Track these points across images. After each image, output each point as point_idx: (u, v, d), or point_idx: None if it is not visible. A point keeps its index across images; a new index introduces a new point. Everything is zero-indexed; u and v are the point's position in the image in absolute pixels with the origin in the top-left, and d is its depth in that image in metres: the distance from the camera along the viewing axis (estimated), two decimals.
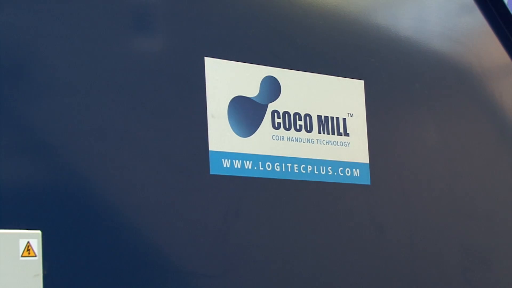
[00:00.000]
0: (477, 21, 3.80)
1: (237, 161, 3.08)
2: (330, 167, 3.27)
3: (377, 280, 3.32)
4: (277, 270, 3.12)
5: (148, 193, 2.89)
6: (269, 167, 3.14)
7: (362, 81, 3.41)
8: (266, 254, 3.10)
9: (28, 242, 2.30)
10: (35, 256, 2.30)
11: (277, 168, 3.16)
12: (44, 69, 2.74)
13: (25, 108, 2.69)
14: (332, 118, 3.31)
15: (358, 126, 3.38)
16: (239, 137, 3.10)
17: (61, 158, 2.76)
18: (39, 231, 2.32)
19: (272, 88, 3.20)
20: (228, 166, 3.06)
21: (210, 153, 3.02)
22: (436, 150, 3.60)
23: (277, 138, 3.17)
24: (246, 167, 3.10)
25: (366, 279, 3.30)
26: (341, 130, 3.32)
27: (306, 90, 3.28)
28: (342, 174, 3.30)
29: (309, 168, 3.22)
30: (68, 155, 2.77)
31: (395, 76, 3.53)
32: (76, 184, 2.77)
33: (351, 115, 3.36)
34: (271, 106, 3.18)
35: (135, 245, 2.84)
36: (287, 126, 3.20)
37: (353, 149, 3.35)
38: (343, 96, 3.37)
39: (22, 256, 2.28)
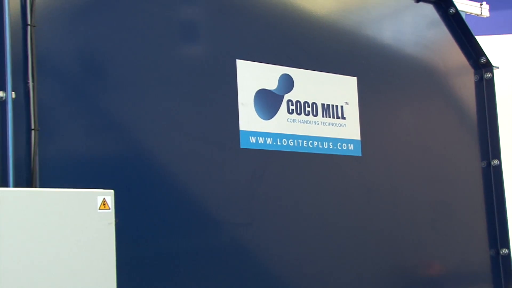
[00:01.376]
0: (442, 32, 3.79)
1: (260, 138, 3.11)
2: (331, 143, 3.31)
3: (365, 226, 3.36)
4: (291, 220, 3.16)
5: (195, 162, 2.95)
6: (284, 142, 3.18)
7: (355, 78, 3.45)
8: (283, 207, 3.15)
9: (104, 198, 2.32)
10: (109, 209, 2.31)
11: (291, 143, 3.19)
12: (116, 67, 2.81)
13: (103, 96, 2.77)
14: (332, 105, 3.35)
15: (352, 111, 3.41)
16: (262, 120, 3.14)
17: (129, 134, 2.82)
18: (112, 190, 2.33)
19: (287, 83, 3.23)
20: (254, 142, 3.10)
21: (240, 132, 3.06)
22: (411, 129, 3.62)
23: (291, 120, 3.21)
24: (267, 142, 3.13)
25: (358, 224, 3.34)
26: (339, 115, 3.36)
27: (313, 84, 3.32)
28: (340, 148, 3.33)
29: (315, 143, 3.26)
30: (134, 133, 2.83)
31: (380, 73, 3.55)
32: (139, 154, 2.83)
33: (347, 103, 3.40)
34: (286, 97, 3.22)
35: (185, 200, 2.90)
36: (298, 112, 3.24)
37: (348, 129, 3.39)
38: (341, 89, 3.41)
39: (99, 209, 2.31)
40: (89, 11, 2.77)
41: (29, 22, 2.56)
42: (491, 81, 3.89)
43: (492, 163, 3.82)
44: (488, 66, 3.88)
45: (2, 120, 2.48)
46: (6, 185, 2.45)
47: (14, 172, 2.47)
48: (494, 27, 5.00)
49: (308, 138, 3.25)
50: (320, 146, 3.28)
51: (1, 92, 2.47)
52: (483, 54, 3.88)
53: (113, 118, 2.79)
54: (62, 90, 2.67)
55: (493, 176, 3.83)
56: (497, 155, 3.84)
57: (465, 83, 3.88)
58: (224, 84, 3.07)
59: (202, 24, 3.08)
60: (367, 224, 3.39)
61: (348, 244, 3.31)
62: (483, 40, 3.92)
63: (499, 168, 3.84)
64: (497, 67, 3.87)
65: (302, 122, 3.25)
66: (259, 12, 3.22)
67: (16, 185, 2.46)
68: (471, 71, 3.91)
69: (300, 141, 3.22)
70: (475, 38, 3.86)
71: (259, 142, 3.11)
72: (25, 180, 2.51)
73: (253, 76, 3.14)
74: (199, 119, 2.99)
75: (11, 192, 2.26)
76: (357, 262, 3.32)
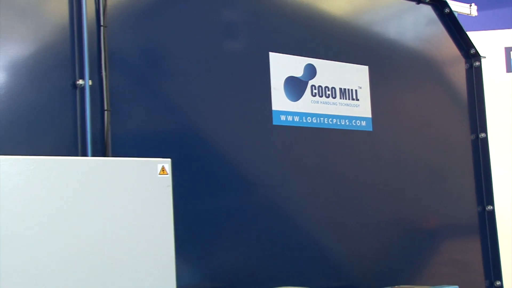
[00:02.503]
0: (439, 28, 3.76)
1: (289, 116, 3.11)
2: (347, 120, 3.31)
3: (374, 187, 3.39)
4: (314, 182, 3.17)
5: (237, 136, 2.98)
6: (309, 120, 3.18)
7: (367, 66, 3.44)
8: (307, 172, 3.15)
9: (163, 165, 2.32)
10: (167, 174, 2.32)
11: (314, 121, 3.19)
12: (172, 59, 2.83)
13: (162, 82, 2.80)
14: (348, 89, 3.34)
15: (364, 94, 3.41)
16: (290, 102, 3.13)
17: (182, 114, 2.84)
18: (169, 159, 2.33)
19: (311, 71, 3.22)
20: (284, 119, 3.10)
21: (273, 111, 3.07)
22: (413, 109, 3.62)
23: (314, 102, 3.21)
24: (295, 120, 3.13)
25: (369, 186, 3.36)
26: (354, 97, 3.35)
27: (332, 72, 3.31)
28: (354, 124, 3.34)
29: (334, 120, 3.26)
30: (187, 113, 2.85)
31: (388, 63, 3.54)
32: (192, 130, 2.85)
33: (360, 88, 3.39)
34: (310, 82, 3.21)
35: (229, 166, 2.93)
36: (320, 95, 3.23)
37: (361, 109, 3.38)
38: (355, 76, 3.40)
39: (159, 174, 2.31)
40: (150, 13, 2.79)
41: (101, 24, 2.59)
42: (479, 69, 3.89)
43: (480, 136, 3.82)
44: (477, 56, 3.88)
45: (81, 103, 2.52)
46: (85, 155, 2.50)
47: (91, 145, 2.52)
48: (481, 24, 4.98)
49: (328, 116, 3.25)
50: (338, 123, 3.28)
51: (81, 80, 2.50)
52: (473, 46, 3.87)
53: (170, 101, 2.82)
54: (128, 78, 2.70)
55: (481, 147, 3.83)
56: (484, 129, 3.85)
57: (457, 70, 3.86)
58: (259, 72, 3.08)
59: (241, 23, 3.09)
60: (376, 185, 3.39)
61: (361, 202, 3.32)
62: (472, 35, 3.91)
63: (485, 140, 3.85)
64: (484, 57, 3.88)
65: (323, 103, 3.24)
66: (287, 13, 3.22)
67: (93, 155, 2.50)
68: (462, 60, 3.89)
69: (321, 118, 3.22)
70: (466, 33, 3.85)
71: (288, 119, 3.11)
72: (100, 151, 2.54)
73: (282, 66, 3.14)
74: (240, 101, 3.00)
75: (89, 161, 2.29)
76: (368, 216, 3.34)
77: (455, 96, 3.83)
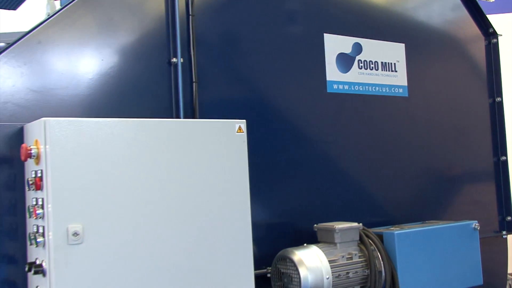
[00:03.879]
0: (462, 11, 3.67)
1: (340, 85, 3.07)
2: (387, 88, 3.25)
3: (409, 142, 3.34)
4: (361, 137, 3.14)
5: (299, 101, 2.94)
6: (356, 88, 3.13)
7: (403, 44, 3.37)
8: (355, 129, 3.13)
9: (239, 125, 2.33)
10: (243, 132, 2.33)
11: (360, 89, 3.14)
12: (246, 40, 2.82)
13: (238, 59, 2.79)
14: (388, 63, 3.28)
15: (402, 67, 3.33)
16: (341, 73, 3.08)
17: (255, 84, 2.82)
18: (244, 120, 2.34)
19: (358, 48, 3.16)
20: (336, 88, 3.05)
21: (327, 81, 3.03)
22: (441, 78, 3.53)
23: (360, 73, 3.15)
24: (345, 88, 3.08)
25: (405, 141, 3.33)
26: (393, 69, 3.29)
27: (375, 48, 3.24)
28: (394, 91, 3.28)
29: (377, 88, 3.20)
30: (258, 83, 2.83)
31: (420, 41, 3.46)
32: (263, 97, 2.84)
33: (398, 61, 3.32)
34: (357, 57, 3.16)
35: (292, 125, 2.92)
36: (365, 67, 3.17)
37: (399, 79, 3.31)
38: (393, 52, 3.32)
39: (237, 132, 2.32)
40: (228, 4, 2.79)
41: (190, 13, 2.61)
42: (496, 45, 3.80)
43: (496, 99, 3.75)
44: (494, 34, 3.79)
45: (175, 76, 2.56)
46: (178, 117, 2.53)
47: (183, 109, 2.54)
48: (498, 8, 4.87)
49: (372, 85, 3.19)
50: (380, 90, 3.22)
51: (175, 58, 2.55)
52: (491, 26, 3.78)
53: (244, 74, 2.80)
54: (211, 56, 2.68)
55: (497, 109, 3.75)
56: (500, 94, 3.76)
57: (478, 46, 3.77)
58: (316, 50, 3.03)
59: (300, 10, 3.03)
60: (410, 140, 3.34)
61: (398, 154, 3.29)
62: (490, 17, 3.81)
63: (501, 103, 3.76)
64: (501, 35, 3.78)
65: (368, 74, 3.19)
66: (338, 1, 3.17)
67: (185, 118, 2.53)
68: (482, 38, 3.79)
69: (366, 87, 3.17)
70: (485, 15, 3.75)
71: (339, 88, 3.07)
72: (190, 114, 2.56)
73: (335, 44, 3.09)
74: (300, 74, 2.96)
75: (182, 122, 2.33)
76: (404, 165, 3.31)
77: (476, 67, 3.73)
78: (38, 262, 1.99)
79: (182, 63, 2.56)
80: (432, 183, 3.41)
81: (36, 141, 1.99)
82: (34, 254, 2.05)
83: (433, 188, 3.41)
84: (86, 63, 2.37)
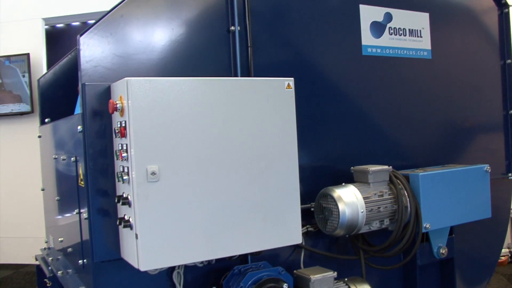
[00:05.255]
0: None
1: (374, 49, 2.92)
2: (413, 51, 3.08)
3: (432, 99, 3.19)
4: (391, 93, 3.01)
5: (338, 63, 2.82)
6: (387, 51, 2.98)
7: (428, 13, 3.17)
8: (386, 86, 3.00)
9: (288, 83, 2.25)
10: (291, 88, 2.25)
11: (391, 52, 2.99)
12: (294, 11, 2.69)
13: (288, 27, 2.67)
14: (415, 29, 3.10)
15: (426, 33, 3.15)
16: (374, 38, 2.93)
17: (303, 49, 2.70)
18: (292, 78, 2.25)
19: (388, 17, 2.99)
20: (370, 51, 2.91)
21: (362, 46, 2.89)
22: (459, 43, 3.34)
23: (391, 38, 2.99)
24: (377, 51, 2.94)
25: (428, 98, 3.17)
26: (419, 35, 3.11)
27: (403, 17, 3.06)
28: (419, 54, 3.11)
29: (405, 51, 3.05)
30: (305, 48, 2.71)
31: (442, 10, 3.26)
32: (310, 59, 2.72)
33: (423, 28, 3.13)
34: (388, 25, 2.99)
35: (332, 82, 2.80)
36: (395, 34, 3.01)
37: (424, 43, 3.14)
38: (419, 20, 3.13)
39: (286, 88, 2.25)
40: None
41: None
42: (507, 14, 3.56)
43: (507, 61, 3.53)
44: (506, 5, 3.56)
45: (233, 42, 2.48)
46: (236, 76, 2.48)
47: (240, 70, 2.48)
48: None
49: (400, 48, 3.04)
50: (407, 53, 3.07)
51: (233, 27, 2.48)
52: None
53: (291, 40, 2.69)
54: (264, 24, 2.58)
55: (507, 70, 3.54)
56: (510, 57, 3.54)
57: (491, 16, 3.54)
58: (352, 19, 2.89)
59: None
60: (433, 96, 3.19)
61: (422, 107, 3.15)
62: None
63: (510, 65, 3.54)
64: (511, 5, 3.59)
65: (397, 39, 3.03)
66: None
67: (242, 76, 2.47)
68: (495, 8, 3.55)
69: (396, 50, 3.02)
70: None
71: (373, 51, 2.93)
72: (246, 74, 2.49)
73: (369, 14, 2.93)
74: (339, 39, 2.84)
75: (239, 80, 2.24)
76: (427, 117, 3.17)
77: (489, 34, 3.52)
78: (124, 195, 2.03)
79: (239, 31, 2.47)
80: (451, 132, 3.27)
81: (121, 97, 2.01)
82: (121, 189, 2.09)
83: (451, 137, 3.28)
84: (159, 32, 2.34)
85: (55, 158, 2.99)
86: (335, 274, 2.45)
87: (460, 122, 3.32)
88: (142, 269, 1.96)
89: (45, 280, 3.13)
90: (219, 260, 2.39)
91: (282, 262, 2.58)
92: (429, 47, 3.16)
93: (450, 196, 2.76)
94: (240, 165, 2.12)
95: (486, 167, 2.89)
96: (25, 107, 6.43)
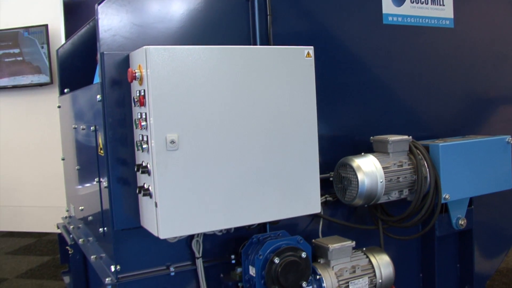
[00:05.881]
0: None
1: (395, 17, 2.85)
2: (435, 20, 3.00)
3: (454, 67, 3.12)
4: (412, 61, 2.95)
5: (359, 32, 2.76)
6: (409, 20, 2.90)
7: None
8: (407, 55, 2.93)
9: (308, 51, 2.22)
10: (311, 57, 2.21)
11: (413, 20, 2.91)
12: None
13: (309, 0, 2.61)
14: None
15: (449, 1, 3.06)
16: (396, 7, 2.85)
17: (318, 16, 2.65)
18: (312, 46, 2.22)
19: None
20: (391, 20, 2.84)
21: (383, 14, 2.81)
22: (482, 13, 3.24)
23: (412, 7, 2.91)
24: (399, 20, 2.86)
25: (449, 65, 3.10)
26: (441, 3, 3.01)
27: None
28: (441, 23, 3.02)
29: (427, 20, 2.96)
30: (321, 15, 2.65)
31: None
32: (330, 26, 2.67)
33: None
34: None
35: (351, 50, 2.75)
36: (417, 2, 2.92)
37: (446, 12, 3.04)
38: None
39: (306, 57, 2.21)
40: None
41: None
42: None
43: None
44: None
45: (252, 11, 2.43)
46: (255, 45, 2.44)
47: (259, 39, 2.44)
48: None
49: (422, 17, 2.95)
50: (429, 22, 2.98)
51: None
52: None
53: (311, 8, 2.63)
54: None
55: None
56: None
57: None
58: None
59: None
60: (455, 65, 3.12)
61: (444, 77, 3.08)
62: None
63: None
64: None
65: (419, 8, 2.94)
66: None
67: (261, 45, 2.43)
68: None
69: (418, 19, 2.94)
70: None
71: (394, 20, 2.86)
72: (265, 43, 2.45)
73: None
74: (360, 7, 2.78)
75: (259, 49, 2.20)
76: (449, 87, 3.10)
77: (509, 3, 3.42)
78: (144, 164, 2.03)
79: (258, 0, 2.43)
80: (473, 103, 3.21)
81: (139, 65, 1.99)
82: (141, 157, 2.09)
83: (473, 107, 3.21)
84: (178, 1, 2.31)
85: (74, 128, 3.00)
86: (353, 243, 2.45)
87: (482, 93, 3.25)
88: (161, 237, 1.98)
89: (67, 247, 3.19)
90: (237, 229, 2.40)
91: (300, 232, 2.58)
92: (451, 15, 3.07)
93: (470, 167, 2.72)
94: (259, 134, 2.11)
95: (508, 138, 2.85)
96: (44, 78, 6.47)
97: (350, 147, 2.69)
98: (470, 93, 3.20)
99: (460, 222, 2.86)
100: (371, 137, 2.65)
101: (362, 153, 2.55)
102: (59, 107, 3.58)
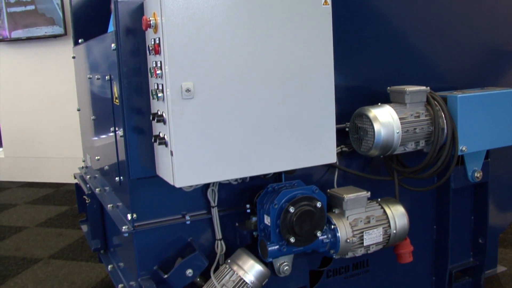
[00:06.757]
0: None
1: None
2: None
3: (471, 25, 3.02)
4: (432, 25, 2.85)
5: None
6: None
7: None
8: (424, 8, 2.82)
9: None
10: (328, 5, 2.15)
11: None
12: None
13: None
14: None
15: None
16: None
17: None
18: None
19: None
20: None
21: None
22: None
23: None
24: None
25: (468, 22, 3.00)
26: None
27: None
28: None
29: None
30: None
31: None
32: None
33: None
34: None
35: (374, 7, 2.68)
36: None
37: None
38: None
39: (323, 5, 2.15)
40: None
41: None
42: None
43: None
44: None
45: None
46: None
47: None
48: None
49: None
50: None
51: None
52: None
53: None
54: None
55: None
56: None
57: None
58: None
59: None
60: (475, 18, 3.01)
61: (465, 30, 2.98)
62: None
63: None
64: None
65: None
66: None
67: None
68: None
69: None
70: None
71: None
72: None
73: None
74: None
75: None
76: (469, 39, 3.01)
77: None
78: (159, 113, 2.02)
79: None
80: (492, 54, 3.12)
81: (154, 13, 1.95)
82: (156, 106, 2.07)
83: (492, 59, 3.12)
84: None
85: (89, 78, 2.99)
86: (369, 194, 2.44)
87: (504, 44, 3.15)
88: (177, 185, 1.98)
89: (84, 197, 3.23)
90: (253, 178, 2.40)
91: (315, 182, 2.58)
92: None
93: (488, 119, 2.68)
94: (276, 83, 2.07)
95: None
96: (58, 30, 6.43)
97: (366, 97, 2.64)
98: (490, 45, 3.10)
99: (476, 174, 2.83)
100: (388, 88, 2.60)
101: (379, 104, 2.51)
102: (73, 57, 3.56)
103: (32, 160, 7.01)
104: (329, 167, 2.61)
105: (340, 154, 2.60)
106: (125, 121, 2.14)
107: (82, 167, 3.69)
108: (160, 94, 1.97)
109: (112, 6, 2.11)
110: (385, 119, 2.41)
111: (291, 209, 2.19)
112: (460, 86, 2.95)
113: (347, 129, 2.58)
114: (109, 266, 3.02)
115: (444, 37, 2.91)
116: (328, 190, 2.48)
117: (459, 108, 2.57)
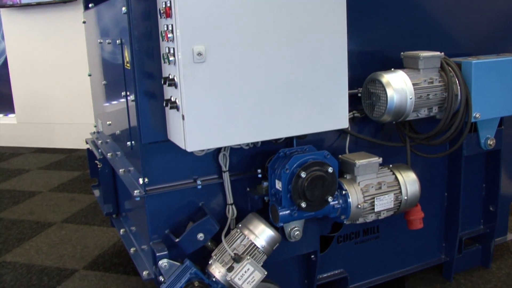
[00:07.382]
0: None
1: None
2: None
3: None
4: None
5: None
6: None
7: None
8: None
9: None
10: None
11: None
12: None
13: None
14: None
15: None
16: None
17: None
18: None
19: None
20: None
21: None
22: None
23: None
24: None
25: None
26: None
27: None
28: None
29: None
30: None
31: None
32: None
33: None
34: None
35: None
36: None
37: None
38: None
39: None
40: None
41: None
42: None
43: None
44: None
45: None
46: None
47: None
48: None
49: None
50: None
51: None
52: None
53: None
54: None
55: None
56: None
57: None
58: None
59: None
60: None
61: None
62: None
63: None
64: None
65: None
66: None
67: None
68: None
69: None
70: None
71: None
72: None
73: None
74: None
75: None
76: (484, 3, 2.93)
77: None
78: (171, 76, 2.00)
79: None
80: (508, 20, 3.04)
81: None
82: (167, 70, 2.06)
83: (509, 25, 3.05)
84: None
85: (100, 43, 2.96)
86: (380, 159, 2.43)
87: None
88: (188, 149, 1.98)
89: (96, 162, 3.25)
90: (264, 143, 2.40)
91: (327, 147, 2.57)
92: None
93: (503, 86, 2.64)
94: (288, 47, 2.04)
95: None
96: None
97: (380, 62, 2.61)
98: (506, 10, 3.02)
99: (489, 142, 2.81)
100: (402, 53, 2.56)
101: (392, 69, 2.47)
102: (84, 22, 3.53)
103: (44, 126, 7.05)
104: (341, 132, 2.60)
105: (352, 120, 2.58)
106: (137, 86, 2.13)
107: (94, 133, 3.70)
108: (171, 58, 1.95)
109: None
110: (398, 85, 2.37)
111: (303, 174, 2.18)
112: (475, 53, 2.89)
113: (359, 95, 2.55)
114: (121, 230, 3.06)
115: (460, 1, 2.84)
116: (340, 156, 2.47)
117: (474, 74, 2.53)
